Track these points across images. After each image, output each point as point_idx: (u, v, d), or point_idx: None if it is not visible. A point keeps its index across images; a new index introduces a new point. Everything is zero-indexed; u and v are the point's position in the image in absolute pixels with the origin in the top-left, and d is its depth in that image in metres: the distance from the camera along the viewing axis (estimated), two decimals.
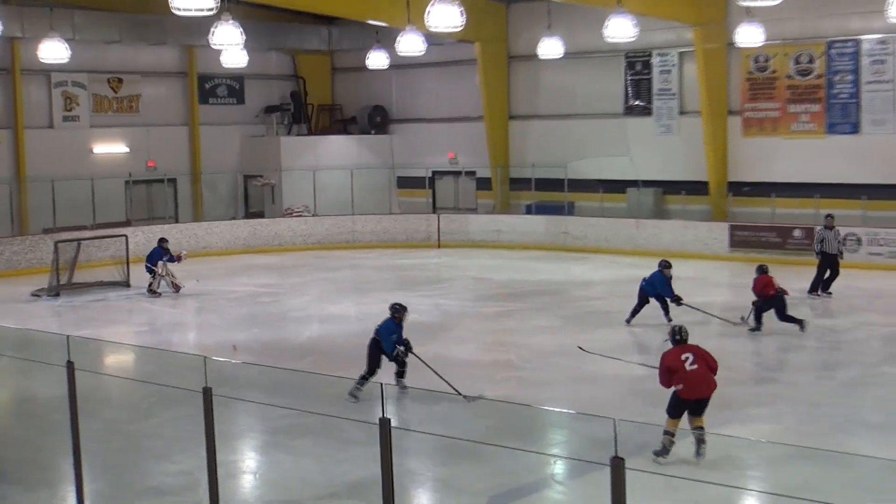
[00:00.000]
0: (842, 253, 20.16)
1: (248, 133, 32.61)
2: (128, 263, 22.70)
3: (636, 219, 26.78)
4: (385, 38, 27.89)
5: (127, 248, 23.00)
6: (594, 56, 28.17)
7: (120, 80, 29.92)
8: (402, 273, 24.47)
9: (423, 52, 23.11)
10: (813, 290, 19.93)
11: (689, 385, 10.33)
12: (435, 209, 31.35)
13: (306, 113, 33.72)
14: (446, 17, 17.92)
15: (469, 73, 30.36)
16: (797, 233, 23.90)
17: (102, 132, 29.55)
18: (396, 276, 23.90)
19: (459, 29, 18.34)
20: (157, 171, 30.24)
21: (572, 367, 14.82)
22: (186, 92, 31.43)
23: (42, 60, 24.83)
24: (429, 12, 17.80)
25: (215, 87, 32.08)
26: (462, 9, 17.81)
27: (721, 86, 26.12)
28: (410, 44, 22.30)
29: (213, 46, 20.00)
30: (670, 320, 16.47)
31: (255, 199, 32.21)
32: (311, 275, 24.48)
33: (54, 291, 21.60)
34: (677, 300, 17.10)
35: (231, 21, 18.98)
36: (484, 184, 30.80)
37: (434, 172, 31.84)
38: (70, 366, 8.71)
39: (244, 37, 19.43)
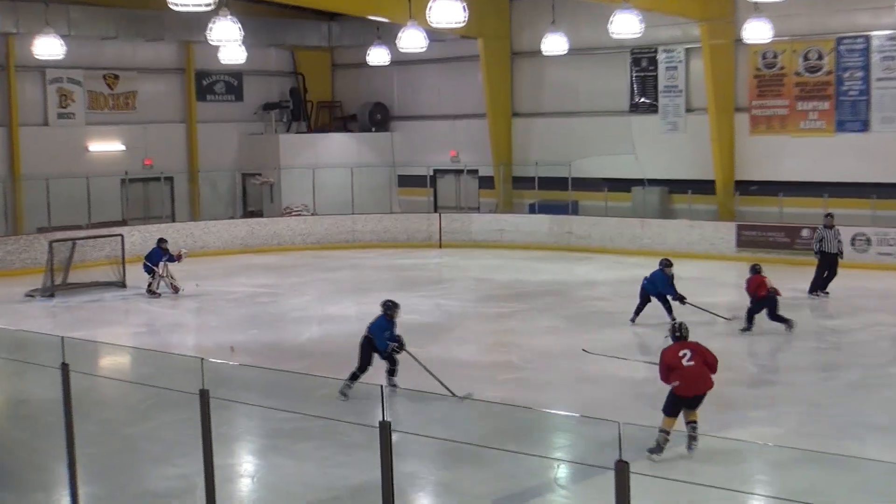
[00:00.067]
0: (841, 253, 20.21)
1: (247, 131, 32.63)
2: (123, 263, 22.73)
3: (641, 218, 26.79)
4: (386, 34, 27.91)
5: (123, 248, 23.03)
6: (599, 52, 28.18)
7: (116, 77, 29.95)
8: (402, 273, 24.49)
9: (424, 49, 23.11)
10: (813, 290, 20.01)
11: (684, 382, 10.51)
12: (436, 208, 31.35)
13: (306, 110, 33.74)
14: (448, 13, 17.95)
15: (471, 69, 30.36)
16: (805, 232, 23.87)
17: (98, 130, 29.57)
18: (397, 277, 23.92)
19: (462, 24, 18.37)
20: (153, 170, 30.26)
21: (575, 369, 14.84)
22: (184, 89, 31.45)
23: (37, 57, 24.88)
24: (431, 8, 17.83)
25: (213, 84, 32.11)
26: (464, 4, 17.84)
27: (728, 83, 26.13)
28: (412, 40, 22.31)
29: (211, 42, 20.01)
30: (673, 319, 16.50)
31: (253, 197, 32.23)
32: (310, 275, 24.51)
33: (49, 292, 21.63)
34: (680, 299, 17.20)
35: (229, 17, 18.98)
36: (486, 182, 30.81)
37: (435, 171, 31.85)
38: (65, 367, 8.73)
39: (243, 33, 19.43)
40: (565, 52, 26.08)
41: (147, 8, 27.65)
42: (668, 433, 10.47)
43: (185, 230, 27.68)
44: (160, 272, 21.53)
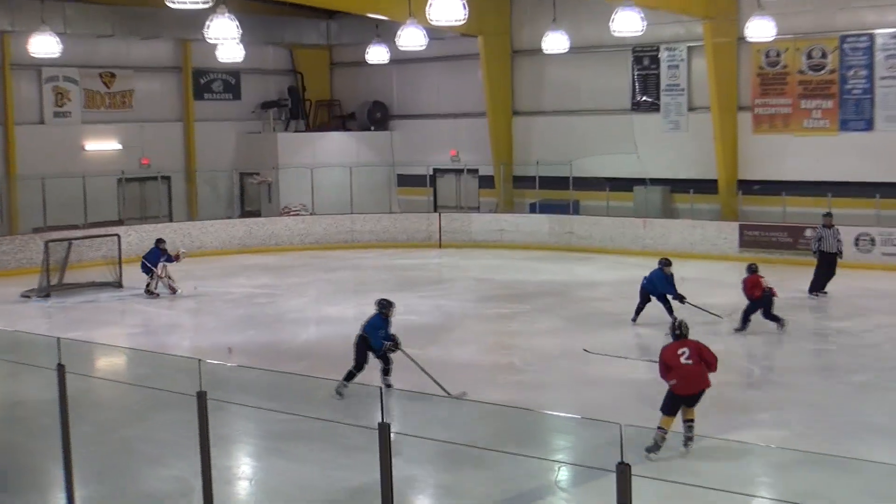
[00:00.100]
0: (840, 252, 20.24)
1: (245, 129, 32.63)
2: (120, 263, 22.74)
3: (643, 218, 26.79)
4: (385, 32, 27.90)
5: (119, 248, 23.02)
6: (600, 50, 28.19)
7: (112, 75, 29.95)
8: (402, 274, 24.49)
9: (424, 47, 23.09)
10: (813, 290, 20.05)
11: (681, 380, 10.64)
12: (436, 208, 31.36)
13: (304, 109, 33.75)
14: (448, 11, 17.94)
15: (472, 67, 30.37)
16: (809, 232, 23.80)
17: (94, 128, 29.58)
18: (396, 277, 23.92)
19: (462, 22, 18.35)
20: (150, 169, 30.27)
21: (576, 370, 14.85)
22: (181, 87, 31.46)
23: (32, 55, 24.84)
24: (430, 5, 17.82)
25: (210, 83, 32.11)
26: (464, 1, 17.82)
27: (731, 81, 26.13)
28: (411, 38, 22.29)
29: (209, 40, 20.00)
30: (674, 318, 16.52)
31: (251, 197, 32.23)
32: (308, 275, 24.51)
33: (44, 292, 21.63)
34: (680, 298, 17.28)
35: (227, 14, 18.98)
36: (486, 182, 30.82)
37: (435, 170, 31.85)
38: (61, 369, 8.73)
39: (240, 30, 19.42)
40: (566, 49, 26.06)
41: (144, 5, 27.67)
42: (665, 431, 10.57)
43: (182, 230, 27.68)
44: (159, 273, 21.53)
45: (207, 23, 19.20)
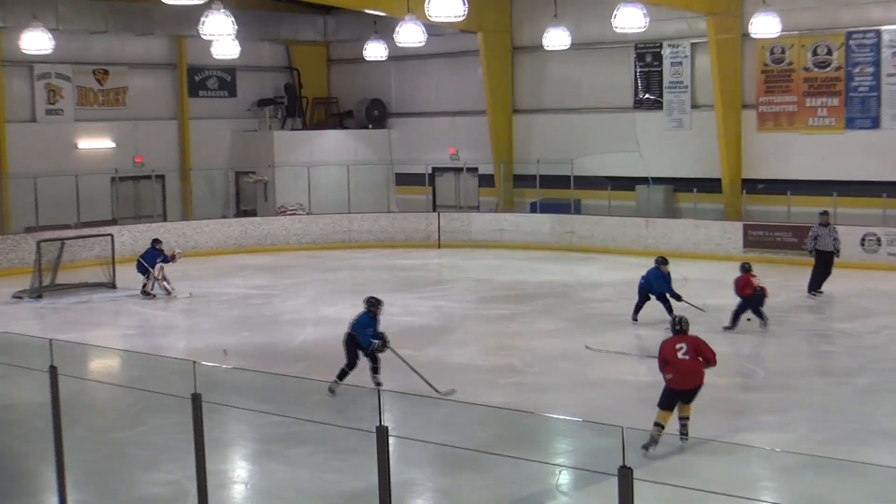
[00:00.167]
0: (838, 251, 20.28)
1: (240, 127, 32.64)
2: (113, 264, 22.73)
3: (645, 217, 26.80)
4: (383, 29, 27.90)
5: (113, 248, 23.02)
6: (602, 47, 28.20)
7: (106, 72, 29.96)
8: (400, 274, 24.50)
9: (423, 43, 23.07)
10: (811, 289, 20.09)
11: (677, 375, 10.87)
12: (435, 207, 31.36)
13: (301, 106, 33.75)
14: (447, 6, 17.96)
15: (471, 64, 30.38)
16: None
17: (87, 126, 29.58)
18: (395, 278, 23.92)
19: (461, 18, 18.37)
20: (144, 167, 30.28)
21: (577, 372, 14.87)
22: (175, 84, 31.46)
23: (24, 51, 24.82)
24: (429, 1, 17.83)
25: (205, 80, 32.11)
26: None
27: (735, 78, 26.14)
28: (410, 34, 22.29)
29: (204, 37, 20.04)
30: (674, 316, 16.60)
31: (246, 196, 32.24)
32: (305, 276, 24.52)
33: (37, 293, 21.64)
34: (677, 297, 17.49)
35: (222, 10, 18.99)
36: (486, 181, 30.82)
37: (434, 169, 31.85)
38: (53, 371, 8.74)
39: (236, 26, 19.44)
40: (567, 46, 26.05)
41: (137, 1, 27.65)
42: (662, 427, 10.76)
43: (176, 230, 27.68)
44: (155, 274, 21.54)
45: (202, 19, 19.21)
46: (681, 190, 27.10)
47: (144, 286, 21.54)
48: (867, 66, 24.48)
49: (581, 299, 20.77)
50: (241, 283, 23.53)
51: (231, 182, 32.37)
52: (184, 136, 31.47)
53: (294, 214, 30.04)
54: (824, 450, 10.99)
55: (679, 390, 10.88)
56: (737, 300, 17.10)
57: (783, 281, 21.08)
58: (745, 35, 24.97)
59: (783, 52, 25.59)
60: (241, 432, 12.00)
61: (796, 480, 10.07)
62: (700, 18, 25.90)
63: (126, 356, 15.92)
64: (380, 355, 13.55)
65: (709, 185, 26.24)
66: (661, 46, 27.50)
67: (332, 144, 32.52)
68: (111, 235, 23.42)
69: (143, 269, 21.57)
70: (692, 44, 26.98)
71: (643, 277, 17.87)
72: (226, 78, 32.45)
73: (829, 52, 24.98)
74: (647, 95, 27.97)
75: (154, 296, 21.44)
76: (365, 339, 13.37)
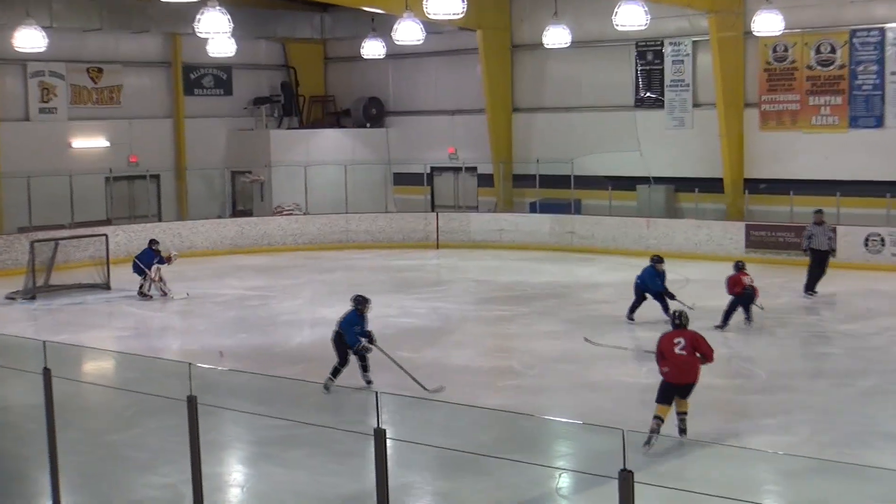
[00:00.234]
0: (833, 250, 20.31)
1: (236, 126, 32.64)
2: (108, 264, 22.73)
3: (646, 218, 26.81)
4: (381, 26, 27.92)
5: (107, 249, 23.01)
6: (603, 45, 28.21)
7: (100, 70, 29.95)
8: (398, 275, 24.50)
9: (421, 41, 23.04)
10: (808, 289, 20.12)
11: (672, 369, 11.08)
12: (433, 207, 31.37)
13: (297, 105, 33.75)
14: (446, 4, 17.96)
15: (470, 62, 30.39)
16: None
17: (81, 125, 29.58)
18: (393, 278, 23.93)
19: (460, 16, 18.38)
20: (139, 167, 30.27)
21: (577, 374, 14.88)
22: (170, 82, 31.46)
23: (17, 49, 24.74)
24: None
25: (201, 78, 32.12)
26: None
27: (737, 77, 26.16)
28: (408, 32, 22.27)
29: (199, 34, 19.99)
30: (673, 313, 16.69)
31: (242, 196, 32.24)
32: (302, 276, 24.52)
33: (30, 294, 21.63)
34: (670, 295, 17.66)
35: (218, 7, 18.97)
36: (485, 180, 30.83)
37: (433, 168, 31.86)
38: (47, 373, 8.74)
39: (232, 24, 19.40)
40: (568, 44, 26.02)
41: None
42: (661, 420, 10.93)
43: (172, 230, 27.68)
44: (152, 275, 21.54)
45: (198, 16, 19.16)
46: (682, 190, 27.12)
47: (141, 287, 21.54)
48: (871, 65, 24.50)
49: (581, 300, 20.78)
50: (238, 283, 23.53)
51: (227, 181, 32.37)
52: (179, 135, 31.46)
53: (291, 214, 30.03)
54: (826, 452, 11.02)
55: (675, 384, 11.07)
56: (728, 299, 17.24)
57: (785, 282, 21.10)
58: (748, 33, 24.99)
59: (786, 49, 25.61)
60: (237, 435, 12.00)
61: (799, 483, 10.08)
62: (702, 16, 25.92)
63: (121, 358, 15.91)
64: (369, 354, 13.65)
65: (710, 185, 26.26)
66: (662, 44, 27.52)
67: (330, 143, 32.52)
68: (105, 236, 23.40)
69: (139, 270, 21.58)
70: (694, 42, 27.00)
71: (638, 277, 18.10)
72: (221, 76, 32.45)
73: (833, 50, 25.00)
74: (648, 94, 27.99)
75: (151, 297, 21.45)
76: (352, 337, 13.54)
